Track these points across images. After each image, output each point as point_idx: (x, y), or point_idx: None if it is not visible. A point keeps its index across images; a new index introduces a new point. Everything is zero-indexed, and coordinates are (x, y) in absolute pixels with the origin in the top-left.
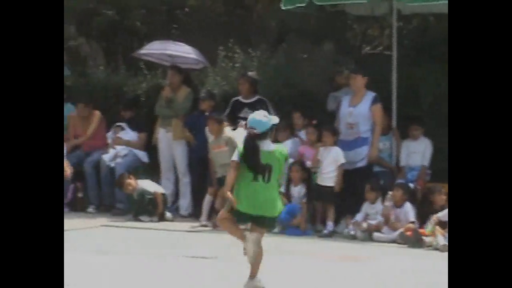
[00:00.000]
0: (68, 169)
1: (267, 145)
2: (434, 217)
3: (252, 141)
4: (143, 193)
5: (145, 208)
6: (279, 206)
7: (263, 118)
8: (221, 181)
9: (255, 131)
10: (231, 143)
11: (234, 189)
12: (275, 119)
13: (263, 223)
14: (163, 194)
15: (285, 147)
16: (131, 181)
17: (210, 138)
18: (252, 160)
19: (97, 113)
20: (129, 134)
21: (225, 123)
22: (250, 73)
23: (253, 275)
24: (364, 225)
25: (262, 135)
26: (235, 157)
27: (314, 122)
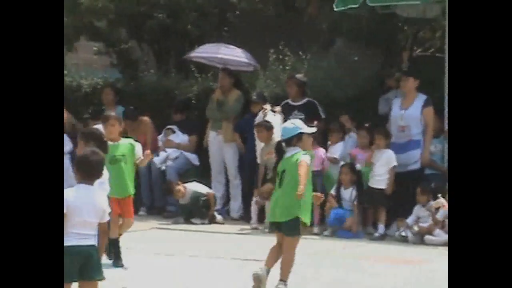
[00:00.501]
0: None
1: (290, 152)
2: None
3: (278, 148)
4: (197, 195)
5: (199, 210)
6: (295, 211)
7: (290, 125)
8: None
9: (282, 137)
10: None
11: None
12: (303, 126)
13: (280, 228)
14: (214, 196)
15: (308, 152)
16: (180, 187)
17: (260, 145)
18: (276, 166)
19: (147, 120)
20: (179, 137)
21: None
22: (297, 75)
23: (283, 279)
24: (416, 227)
25: (287, 142)
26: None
27: (367, 125)
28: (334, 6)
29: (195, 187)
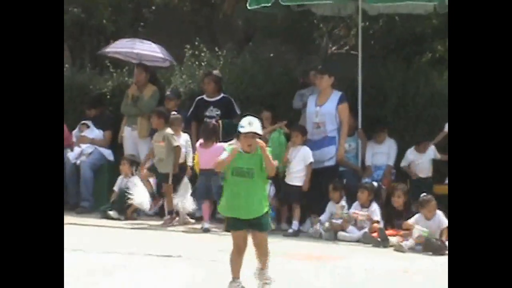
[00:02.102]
0: None
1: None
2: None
3: None
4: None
5: (121, 205)
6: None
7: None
8: (159, 177)
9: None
10: (168, 141)
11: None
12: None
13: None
14: None
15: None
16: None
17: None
18: None
19: None
20: (94, 132)
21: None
22: (214, 72)
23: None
24: (327, 224)
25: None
26: None
27: (285, 122)
28: (247, 5)
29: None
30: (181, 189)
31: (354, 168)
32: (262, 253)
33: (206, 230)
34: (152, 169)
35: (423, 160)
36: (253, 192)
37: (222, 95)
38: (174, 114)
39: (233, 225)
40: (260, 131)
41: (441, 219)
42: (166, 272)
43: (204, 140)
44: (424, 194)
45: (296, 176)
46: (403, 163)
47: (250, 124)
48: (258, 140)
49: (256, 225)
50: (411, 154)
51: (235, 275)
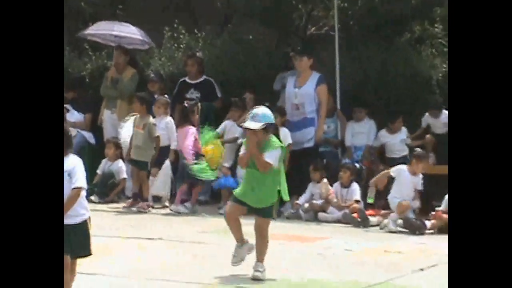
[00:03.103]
0: None
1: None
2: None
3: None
4: (110, 174)
5: (101, 188)
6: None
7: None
8: (133, 163)
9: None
10: (149, 130)
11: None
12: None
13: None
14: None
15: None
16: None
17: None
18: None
19: None
20: (74, 116)
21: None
22: (198, 54)
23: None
24: (306, 205)
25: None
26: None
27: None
28: None
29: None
30: (161, 174)
31: (335, 144)
32: (260, 238)
33: (176, 213)
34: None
35: (395, 141)
36: (263, 184)
37: (204, 77)
38: (165, 97)
39: (239, 201)
40: (254, 125)
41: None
42: (148, 254)
43: (178, 121)
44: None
45: None
46: (375, 144)
47: (251, 117)
48: (251, 135)
49: (259, 211)
50: (383, 136)
51: (238, 241)
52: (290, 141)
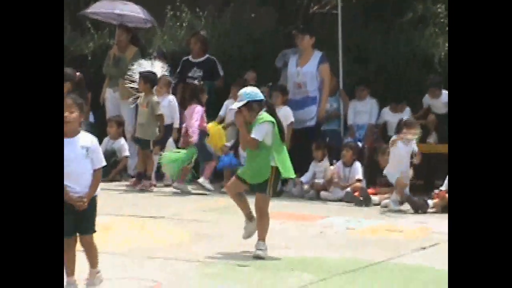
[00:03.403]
0: None
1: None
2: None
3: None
4: (113, 151)
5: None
6: None
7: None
8: (138, 141)
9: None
10: (152, 108)
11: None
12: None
13: None
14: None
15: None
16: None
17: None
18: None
19: None
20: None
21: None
22: (202, 32)
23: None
24: (306, 185)
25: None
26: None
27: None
28: None
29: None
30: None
31: (337, 116)
32: (259, 215)
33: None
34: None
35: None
36: (254, 160)
37: (206, 56)
38: (165, 76)
39: (238, 177)
40: (236, 105)
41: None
42: (149, 232)
43: (188, 100)
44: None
45: None
46: (377, 122)
47: (238, 98)
48: (237, 115)
49: (255, 187)
50: (386, 113)
51: (246, 217)
52: (292, 120)
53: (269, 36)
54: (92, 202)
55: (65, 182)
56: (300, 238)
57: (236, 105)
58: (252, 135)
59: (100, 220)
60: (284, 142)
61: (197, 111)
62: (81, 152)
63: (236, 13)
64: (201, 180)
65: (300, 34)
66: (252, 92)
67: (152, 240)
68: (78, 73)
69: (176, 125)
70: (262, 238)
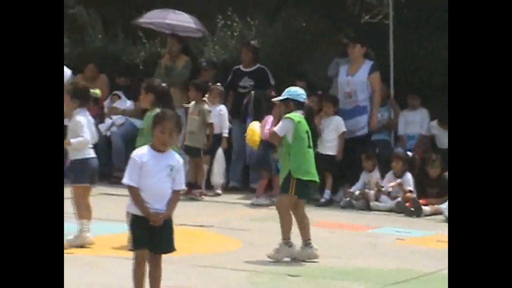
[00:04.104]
0: None
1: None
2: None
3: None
4: None
5: None
6: None
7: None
8: (188, 150)
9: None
10: (203, 116)
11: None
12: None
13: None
14: None
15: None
16: None
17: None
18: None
19: (104, 77)
20: (125, 103)
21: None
22: (252, 42)
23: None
24: (357, 193)
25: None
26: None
27: (320, 92)
28: None
29: None
30: (215, 162)
31: (389, 127)
32: (279, 215)
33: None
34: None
35: (445, 135)
36: (281, 160)
37: (257, 65)
38: (218, 86)
39: None
40: (276, 99)
41: None
42: (198, 242)
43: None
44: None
45: (329, 146)
46: (427, 133)
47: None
48: (275, 109)
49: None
50: (434, 128)
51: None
52: (344, 129)
53: (320, 45)
54: (168, 223)
55: (142, 194)
56: (350, 248)
57: (276, 98)
58: (274, 129)
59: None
60: (311, 148)
61: (270, 121)
62: (165, 170)
63: (287, 22)
64: (254, 200)
65: (351, 43)
66: (294, 91)
67: (200, 248)
68: (163, 84)
69: (225, 134)
70: (283, 237)
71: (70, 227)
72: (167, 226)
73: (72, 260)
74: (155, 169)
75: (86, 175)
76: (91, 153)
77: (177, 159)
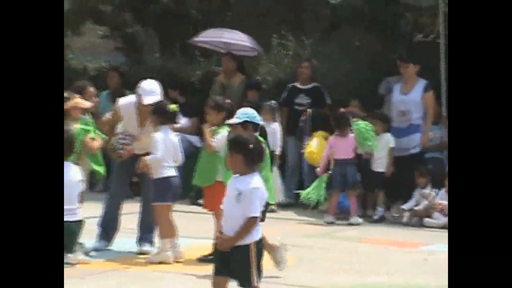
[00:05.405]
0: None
1: None
2: None
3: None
4: None
5: None
6: None
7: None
8: None
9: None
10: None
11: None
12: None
13: None
14: None
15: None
16: None
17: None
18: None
19: None
20: (181, 120)
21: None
22: (312, 60)
23: None
24: (410, 211)
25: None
26: None
27: (378, 111)
28: None
29: None
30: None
31: (442, 147)
32: None
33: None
34: None
35: None
36: None
37: (313, 84)
38: (272, 103)
39: None
40: (233, 121)
41: None
42: None
43: (339, 129)
44: None
45: (380, 163)
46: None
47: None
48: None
49: None
50: None
51: None
52: (393, 145)
53: (373, 64)
54: (243, 253)
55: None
56: (403, 265)
57: (232, 121)
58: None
59: (205, 243)
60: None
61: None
62: (234, 194)
63: (341, 41)
64: (354, 220)
65: (404, 63)
66: (252, 113)
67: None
68: (227, 100)
69: (278, 152)
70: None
71: (124, 241)
72: (241, 258)
73: (133, 276)
74: (228, 194)
75: (169, 194)
76: (173, 172)
77: (246, 183)
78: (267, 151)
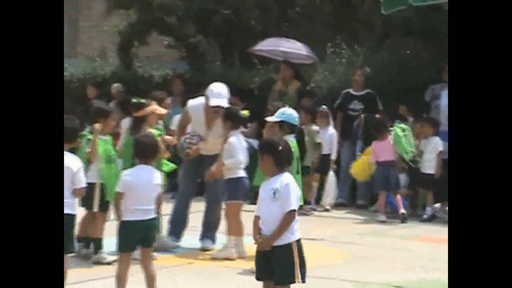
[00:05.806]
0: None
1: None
2: None
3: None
4: None
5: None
6: None
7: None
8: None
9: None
10: (311, 137)
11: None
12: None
13: None
14: None
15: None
16: None
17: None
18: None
19: None
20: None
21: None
22: (367, 68)
23: None
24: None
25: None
26: None
27: (425, 115)
28: (381, 10)
29: None
30: (328, 183)
31: None
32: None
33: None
34: None
35: None
36: None
37: (367, 90)
38: (324, 108)
39: None
40: (271, 119)
41: None
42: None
43: (378, 134)
44: None
45: (429, 165)
46: None
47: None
48: (267, 128)
49: None
50: None
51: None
52: (441, 149)
53: (422, 71)
54: (282, 252)
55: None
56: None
57: (270, 118)
58: None
59: None
60: (299, 174)
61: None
62: (270, 194)
63: (392, 50)
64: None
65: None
66: (290, 114)
67: (312, 260)
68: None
69: (333, 157)
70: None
71: (187, 238)
72: (279, 256)
73: (191, 270)
74: (263, 196)
75: (240, 193)
76: (243, 173)
77: (280, 181)
78: (296, 153)
